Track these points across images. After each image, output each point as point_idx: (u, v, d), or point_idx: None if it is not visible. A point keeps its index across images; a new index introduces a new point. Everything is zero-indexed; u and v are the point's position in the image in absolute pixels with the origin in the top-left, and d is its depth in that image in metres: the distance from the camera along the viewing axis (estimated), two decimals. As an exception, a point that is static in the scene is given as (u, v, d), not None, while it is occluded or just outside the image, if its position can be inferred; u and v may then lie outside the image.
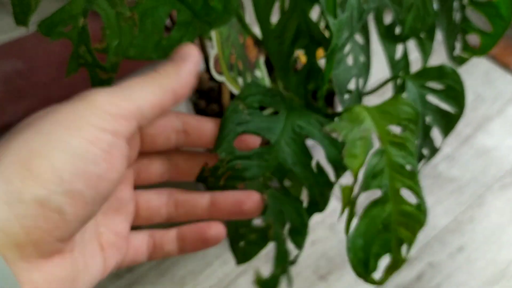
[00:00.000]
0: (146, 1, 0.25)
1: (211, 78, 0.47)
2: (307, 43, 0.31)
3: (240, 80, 0.36)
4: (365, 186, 0.26)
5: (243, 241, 0.30)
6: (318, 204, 0.29)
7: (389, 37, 0.34)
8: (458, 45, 0.38)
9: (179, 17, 0.27)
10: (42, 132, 0.18)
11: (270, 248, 0.30)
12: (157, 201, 0.26)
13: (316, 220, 0.51)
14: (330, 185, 0.28)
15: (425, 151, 0.34)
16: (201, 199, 0.26)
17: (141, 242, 0.26)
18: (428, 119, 0.33)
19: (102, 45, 0.25)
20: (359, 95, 0.34)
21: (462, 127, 0.60)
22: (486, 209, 0.53)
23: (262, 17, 0.30)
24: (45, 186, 0.17)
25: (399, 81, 0.34)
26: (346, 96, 0.34)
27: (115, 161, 0.20)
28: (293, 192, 0.29)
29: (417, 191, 0.27)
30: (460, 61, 0.38)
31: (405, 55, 0.35)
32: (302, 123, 0.29)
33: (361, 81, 0.34)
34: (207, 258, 0.49)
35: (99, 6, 0.24)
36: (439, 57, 0.50)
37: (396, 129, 0.27)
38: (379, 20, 0.35)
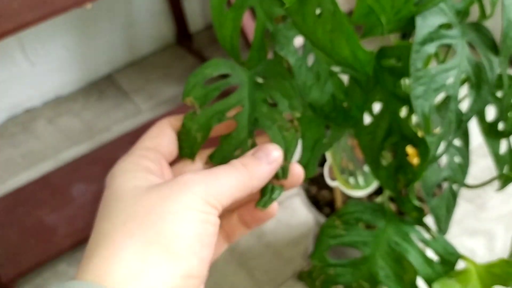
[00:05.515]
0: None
1: (320, 164, 0.51)
2: (397, 140, 0.34)
3: (351, 180, 0.39)
4: None
5: None
6: None
7: (493, 134, 0.36)
8: None
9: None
10: (157, 223, 0.23)
11: None
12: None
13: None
14: None
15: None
16: None
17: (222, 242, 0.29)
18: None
19: None
20: (453, 196, 0.36)
21: None
22: None
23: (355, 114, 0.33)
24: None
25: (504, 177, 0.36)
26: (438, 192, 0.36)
27: (216, 231, 0.25)
28: None
29: None
30: None
31: (509, 150, 0.37)
32: (398, 239, 0.33)
33: (455, 185, 0.36)
34: None
35: (263, 125, 0.28)
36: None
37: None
38: (481, 118, 0.37)
